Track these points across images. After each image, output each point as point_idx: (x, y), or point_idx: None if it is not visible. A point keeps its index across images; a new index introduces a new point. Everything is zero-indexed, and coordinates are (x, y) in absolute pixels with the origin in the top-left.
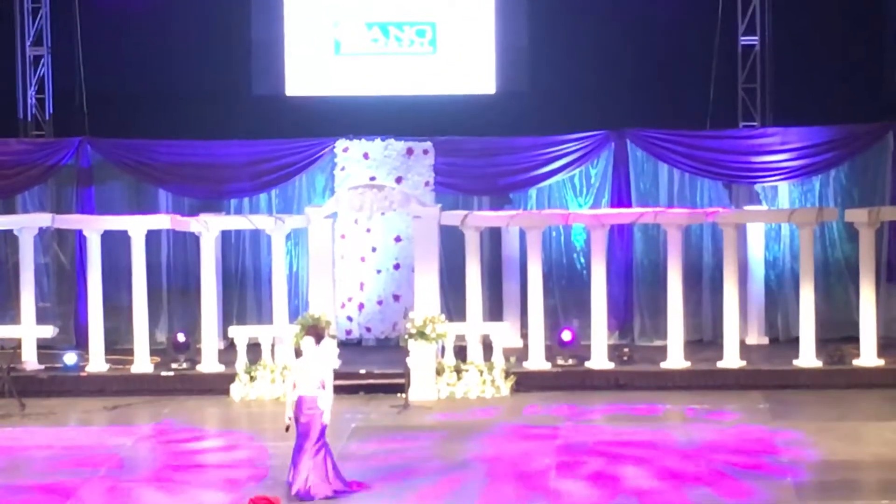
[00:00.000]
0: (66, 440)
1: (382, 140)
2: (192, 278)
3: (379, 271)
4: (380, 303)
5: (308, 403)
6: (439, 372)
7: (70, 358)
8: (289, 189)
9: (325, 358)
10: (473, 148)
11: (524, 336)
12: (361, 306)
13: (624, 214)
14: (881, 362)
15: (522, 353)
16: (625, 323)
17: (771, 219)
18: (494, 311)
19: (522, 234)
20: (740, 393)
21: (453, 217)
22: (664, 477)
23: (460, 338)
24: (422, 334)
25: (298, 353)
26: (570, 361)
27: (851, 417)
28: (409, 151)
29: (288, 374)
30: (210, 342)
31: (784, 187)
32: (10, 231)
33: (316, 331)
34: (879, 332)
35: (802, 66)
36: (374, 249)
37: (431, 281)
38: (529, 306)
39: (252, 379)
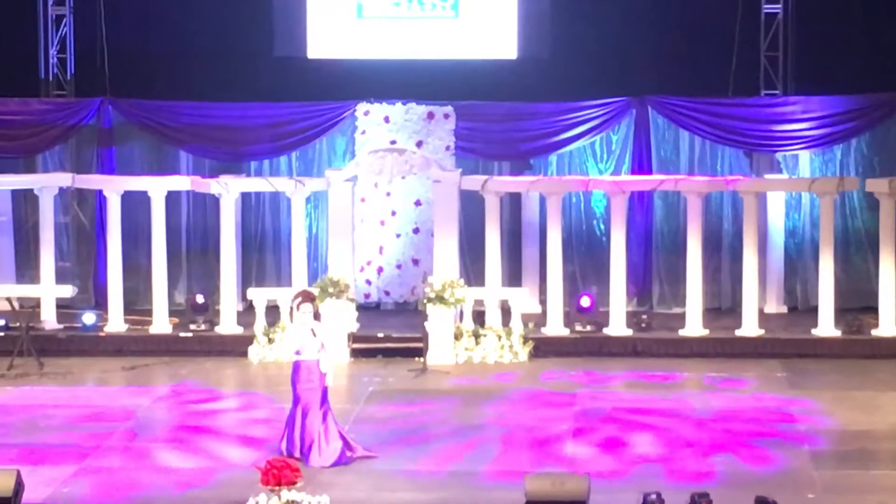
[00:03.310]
0: (83, 400)
1: (403, 104)
2: (212, 240)
3: (398, 235)
4: (399, 266)
5: (310, 368)
6: (457, 336)
7: (89, 318)
8: (309, 152)
9: (323, 321)
10: (494, 113)
11: (543, 302)
12: (380, 270)
13: (644, 181)
14: None
15: (541, 319)
16: (644, 290)
17: (791, 188)
18: (513, 276)
19: (542, 200)
20: (758, 361)
21: (473, 182)
22: (681, 444)
23: (479, 302)
24: (440, 298)
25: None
26: (589, 328)
27: (869, 387)
28: (430, 115)
29: (290, 339)
30: (228, 304)
31: (805, 156)
32: (31, 190)
33: (312, 295)
34: None
35: (825, 34)
36: (393, 213)
37: (451, 245)
38: (548, 272)
39: (270, 341)
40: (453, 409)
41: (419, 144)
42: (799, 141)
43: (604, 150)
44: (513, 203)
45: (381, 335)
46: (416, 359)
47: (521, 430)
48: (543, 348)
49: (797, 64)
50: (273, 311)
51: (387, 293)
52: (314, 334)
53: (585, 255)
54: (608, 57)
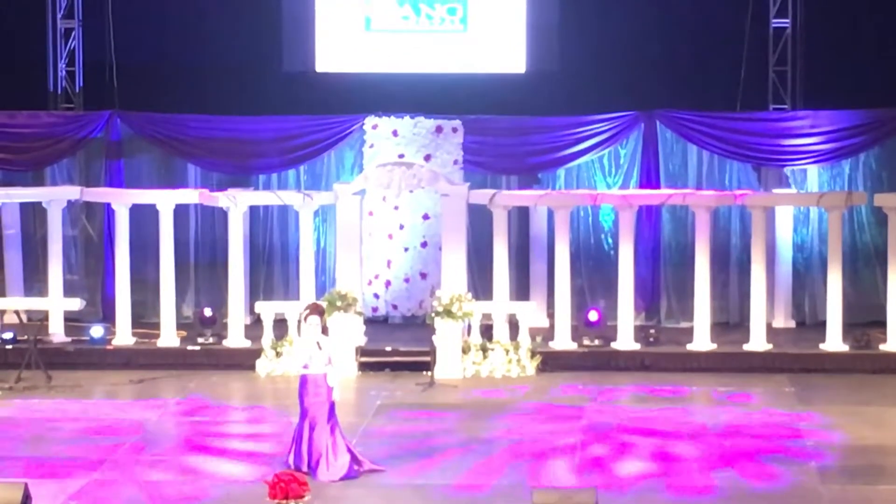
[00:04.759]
0: (91, 413)
1: (412, 118)
2: (220, 253)
3: (406, 249)
4: (407, 280)
5: (317, 382)
6: (465, 350)
7: (97, 331)
8: (317, 165)
9: (331, 335)
10: (503, 127)
11: (550, 316)
12: (388, 283)
13: (652, 196)
14: None
15: (548, 333)
16: (651, 304)
17: (800, 202)
18: (521, 290)
19: (550, 214)
20: (766, 376)
21: (481, 196)
22: (688, 458)
23: (487, 316)
24: (448, 312)
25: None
26: (597, 342)
27: (877, 402)
28: (439, 129)
29: (298, 353)
30: (236, 317)
31: (813, 171)
32: (39, 203)
33: (321, 309)
34: None
35: (834, 49)
36: (401, 227)
37: (459, 259)
38: (556, 286)
39: (278, 354)
40: (461, 422)
41: (427, 158)
42: (807, 155)
43: (612, 164)
44: (521, 217)
45: (388, 349)
46: (424, 372)
47: (528, 443)
48: (551, 362)
49: (806, 78)
50: (281, 325)
51: (394, 307)
52: (320, 347)
53: (593, 270)
54: (616, 71)
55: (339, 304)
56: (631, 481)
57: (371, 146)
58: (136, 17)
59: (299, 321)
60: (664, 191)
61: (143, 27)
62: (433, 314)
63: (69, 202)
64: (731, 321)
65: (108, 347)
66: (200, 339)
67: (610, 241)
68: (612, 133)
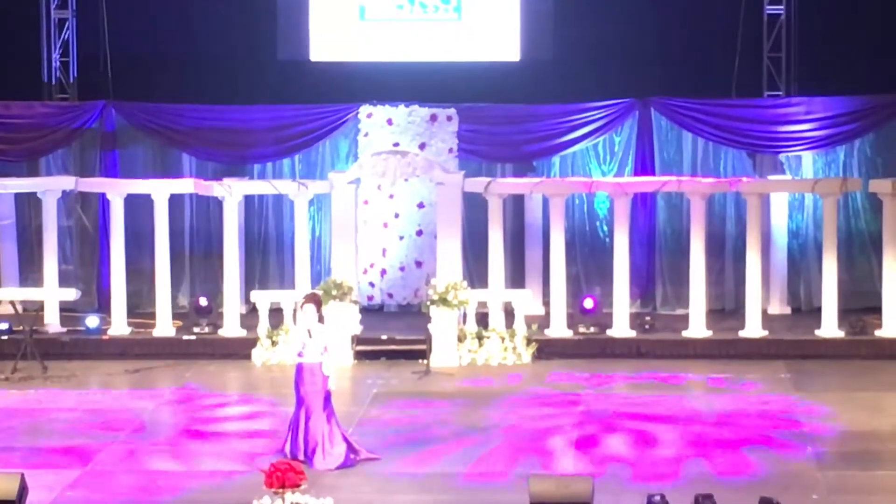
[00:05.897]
0: (87, 403)
1: (406, 106)
2: (215, 242)
3: (401, 237)
4: (402, 269)
5: (312, 370)
6: (461, 338)
7: (92, 321)
8: (312, 154)
9: (327, 324)
10: (497, 115)
11: (546, 303)
12: (384, 272)
13: (647, 183)
14: None
15: (544, 321)
16: (647, 291)
17: (795, 188)
18: (516, 278)
19: (545, 202)
20: (762, 362)
21: (476, 184)
22: (685, 445)
23: (482, 304)
24: (444, 301)
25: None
26: (592, 329)
27: (873, 388)
28: (433, 118)
29: (292, 341)
30: (232, 306)
31: (808, 157)
32: (34, 194)
33: (317, 298)
34: None
35: (828, 35)
36: (396, 215)
37: (454, 247)
38: (552, 274)
39: (273, 343)
40: (457, 411)
41: (422, 146)
42: (802, 142)
43: (607, 151)
44: (516, 205)
45: (384, 337)
46: (420, 361)
47: (524, 431)
48: (547, 350)
49: (800, 65)
50: (276, 314)
51: (390, 295)
52: (310, 335)
53: (588, 257)
54: (611, 59)
55: (334, 292)
56: (627, 468)
57: (366, 135)
58: (130, 6)
59: (295, 310)
60: (659, 178)
61: (137, 17)
62: (429, 302)
63: (64, 192)
64: (727, 308)
65: (104, 337)
66: (196, 329)
67: (605, 228)
68: (606, 121)
